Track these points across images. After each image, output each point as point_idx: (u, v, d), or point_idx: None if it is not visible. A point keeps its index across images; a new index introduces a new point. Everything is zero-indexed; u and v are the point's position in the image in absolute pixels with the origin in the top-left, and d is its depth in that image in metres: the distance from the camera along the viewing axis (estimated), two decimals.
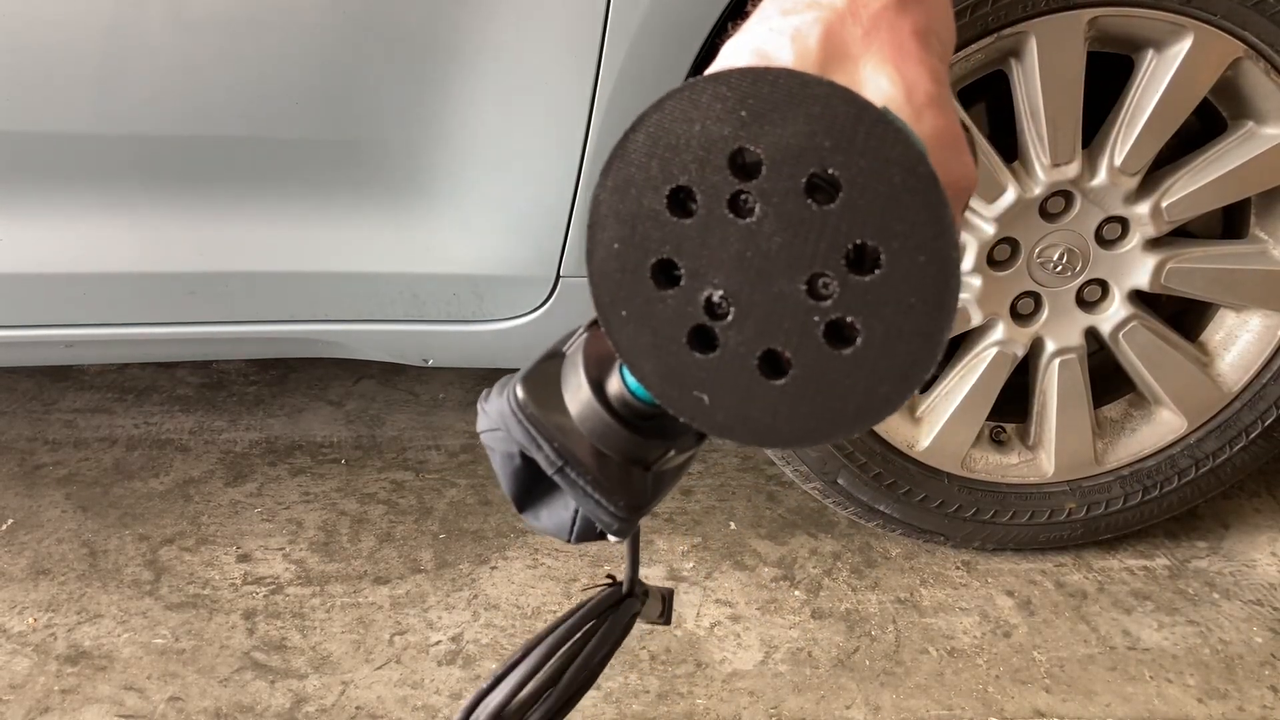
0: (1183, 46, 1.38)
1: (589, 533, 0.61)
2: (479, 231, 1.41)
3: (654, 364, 0.48)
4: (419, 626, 1.56)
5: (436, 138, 1.34)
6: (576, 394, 0.57)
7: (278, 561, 1.68)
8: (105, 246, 1.40)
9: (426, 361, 1.57)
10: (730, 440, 0.49)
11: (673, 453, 0.57)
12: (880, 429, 1.58)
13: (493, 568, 1.67)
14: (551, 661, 0.69)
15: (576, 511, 0.60)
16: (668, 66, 1.30)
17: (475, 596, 1.62)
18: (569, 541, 0.63)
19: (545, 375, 0.59)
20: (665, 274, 0.48)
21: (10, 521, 1.76)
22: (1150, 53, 1.41)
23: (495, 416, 0.59)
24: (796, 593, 1.64)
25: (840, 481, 1.61)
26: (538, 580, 1.65)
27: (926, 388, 1.64)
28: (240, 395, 2.10)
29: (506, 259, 1.42)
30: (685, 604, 1.61)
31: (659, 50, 1.29)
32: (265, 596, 1.61)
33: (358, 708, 1.43)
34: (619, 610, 0.72)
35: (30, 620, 1.56)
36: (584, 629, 0.70)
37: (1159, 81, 1.40)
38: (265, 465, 1.90)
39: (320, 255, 1.42)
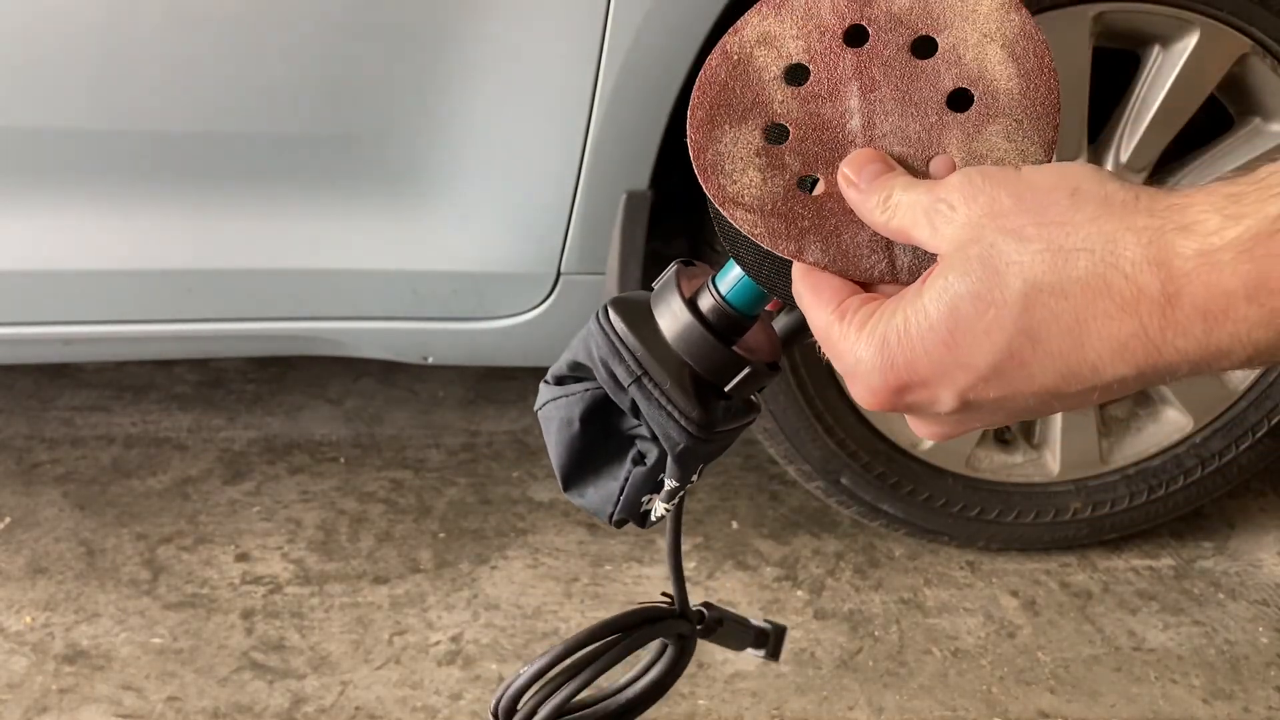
0: (1189, 42, 1.37)
1: (633, 508, 0.64)
2: (479, 228, 1.40)
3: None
4: (418, 626, 1.55)
5: (436, 133, 1.34)
6: (668, 308, 0.60)
7: (276, 561, 1.67)
8: (102, 243, 1.39)
9: (426, 359, 1.56)
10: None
11: (746, 372, 0.59)
12: (884, 428, 1.57)
13: (493, 567, 1.66)
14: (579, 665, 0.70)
15: (625, 482, 0.63)
16: (669, 63, 1.29)
17: (475, 596, 1.61)
18: (610, 519, 0.65)
19: (634, 301, 0.61)
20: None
21: (8, 520, 1.75)
22: (1156, 48, 1.40)
23: (576, 343, 0.62)
24: (799, 593, 1.63)
25: (843, 480, 1.59)
26: (538, 580, 1.64)
27: None
28: (239, 393, 2.09)
29: (507, 256, 1.41)
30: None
31: (660, 46, 1.28)
32: (264, 596, 1.60)
33: (357, 708, 1.42)
34: (659, 629, 0.73)
35: (28, 619, 1.55)
36: (616, 640, 0.71)
37: (1165, 77, 1.39)
38: (264, 464, 1.89)
39: (319, 252, 1.41)
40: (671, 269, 0.61)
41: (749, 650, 0.84)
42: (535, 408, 0.65)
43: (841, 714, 1.43)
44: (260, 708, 1.42)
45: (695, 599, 1.69)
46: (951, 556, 1.70)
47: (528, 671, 0.69)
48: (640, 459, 0.63)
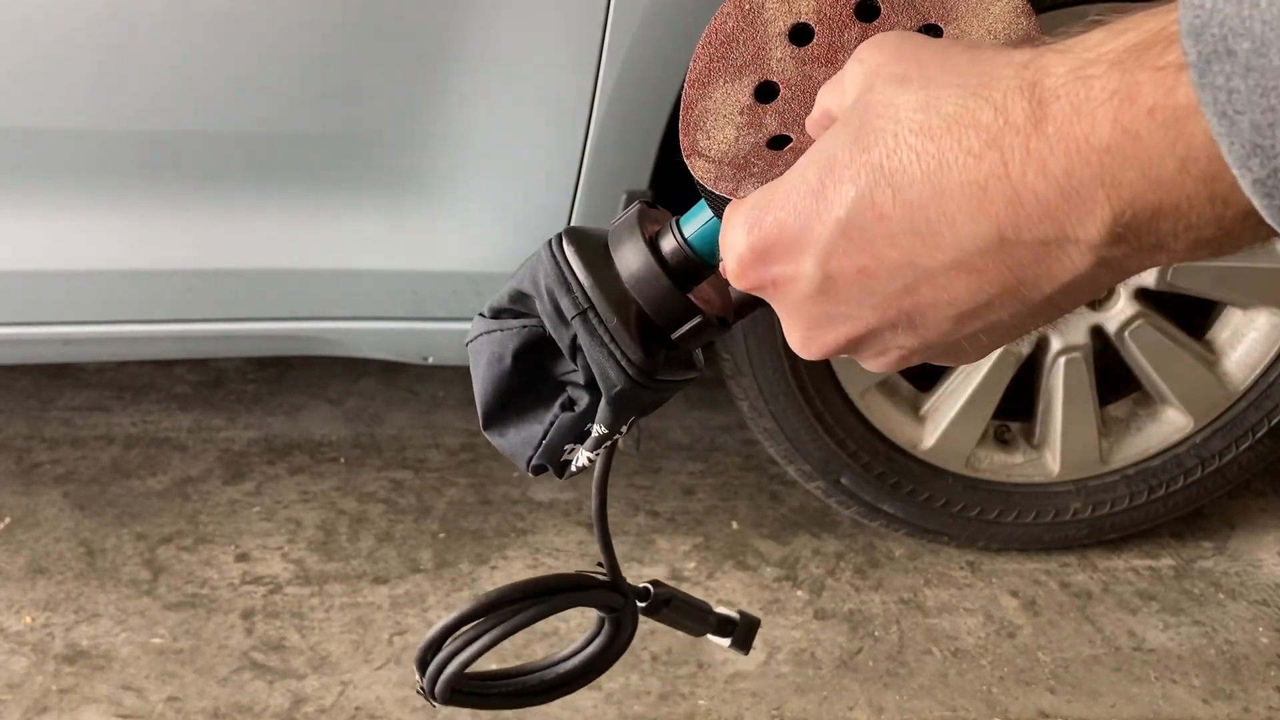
0: None
1: (554, 454, 0.61)
2: (479, 228, 1.40)
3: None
4: (418, 626, 1.55)
5: (437, 134, 1.33)
6: (625, 245, 0.58)
7: (276, 561, 1.67)
8: (102, 243, 1.39)
9: (426, 360, 1.56)
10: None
11: (696, 322, 0.57)
12: (884, 428, 1.57)
13: (493, 567, 1.66)
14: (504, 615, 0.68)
15: (550, 426, 0.61)
16: (669, 63, 1.29)
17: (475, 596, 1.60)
18: (528, 464, 0.62)
19: (590, 234, 0.59)
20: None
21: (8, 520, 1.75)
22: None
23: (522, 270, 0.59)
24: (799, 593, 1.63)
25: (844, 481, 1.59)
26: None
27: (930, 386, 1.63)
28: (239, 393, 2.09)
29: (507, 256, 1.41)
30: None
31: (660, 46, 1.28)
32: (264, 596, 1.60)
33: (357, 708, 1.42)
34: (583, 597, 0.71)
35: (28, 619, 1.55)
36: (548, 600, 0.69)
37: None
38: (264, 464, 1.89)
39: (319, 252, 1.41)
40: (634, 207, 0.59)
41: (714, 638, 0.81)
42: (465, 340, 0.63)
43: (841, 714, 1.43)
44: (260, 708, 1.42)
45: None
46: (951, 556, 1.70)
47: (440, 624, 0.67)
48: (570, 405, 0.60)
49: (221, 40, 1.28)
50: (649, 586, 0.76)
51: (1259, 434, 1.61)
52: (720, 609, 0.81)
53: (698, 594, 1.66)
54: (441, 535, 1.73)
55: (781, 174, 0.51)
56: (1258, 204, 0.32)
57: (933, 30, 0.51)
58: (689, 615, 0.79)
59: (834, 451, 1.57)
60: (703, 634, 0.81)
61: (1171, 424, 1.62)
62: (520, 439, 0.62)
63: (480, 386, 0.62)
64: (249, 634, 1.53)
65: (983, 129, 0.37)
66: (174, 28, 1.27)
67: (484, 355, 0.61)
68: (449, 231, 1.40)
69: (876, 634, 1.56)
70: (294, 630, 1.54)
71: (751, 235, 0.44)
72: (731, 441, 1.96)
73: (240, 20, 1.27)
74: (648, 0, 1.25)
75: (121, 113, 1.31)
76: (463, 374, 2.27)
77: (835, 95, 0.45)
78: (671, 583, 1.63)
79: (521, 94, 1.31)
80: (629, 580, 0.73)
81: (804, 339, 0.46)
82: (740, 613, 0.81)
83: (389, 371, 2.13)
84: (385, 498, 1.82)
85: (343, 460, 1.91)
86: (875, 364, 0.47)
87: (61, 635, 1.52)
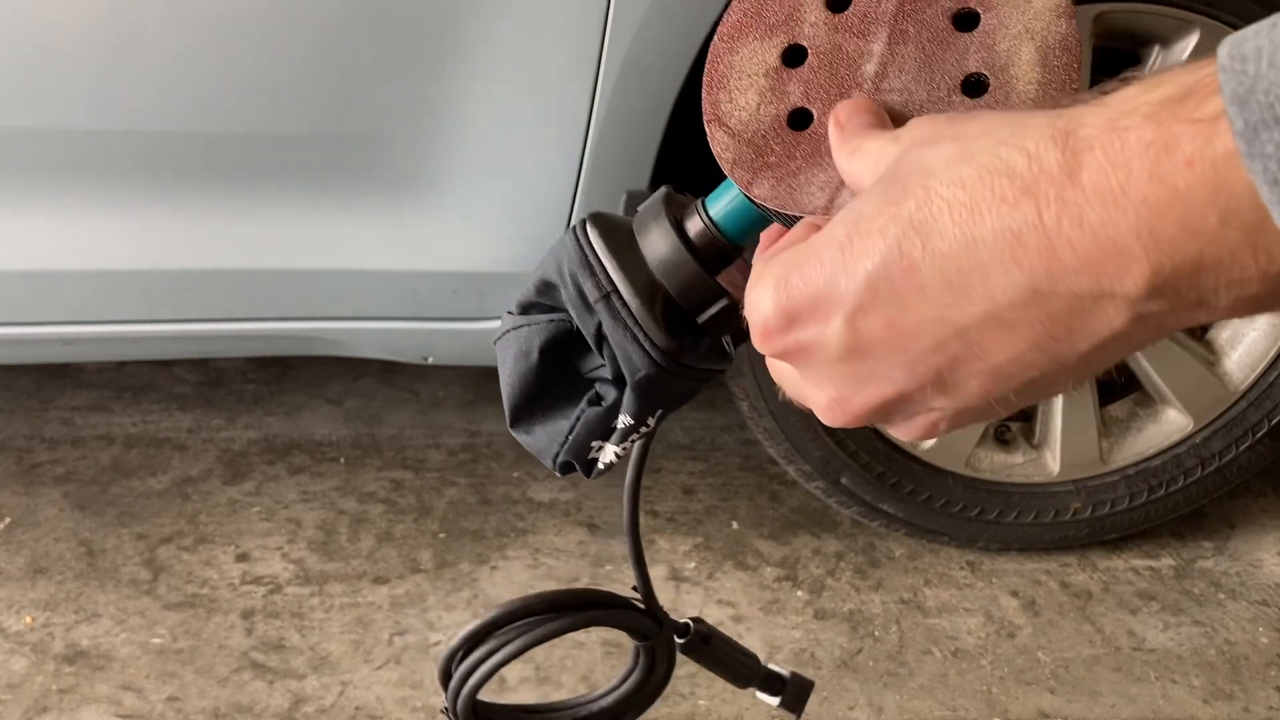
0: (1189, 42, 1.37)
1: (581, 451, 0.60)
2: (480, 228, 1.40)
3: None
4: (418, 626, 1.55)
5: (437, 134, 1.33)
6: (651, 228, 0.57)
7: (276, 561, 1.67)
8: (102, 243, 1.39)
9: (426, 359, 1.56)
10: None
11: (723, 305, 0.56)
12: (885, 427, 1.57)
13: (493, 567, 1.66)
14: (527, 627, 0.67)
15: (577, 421, 0.59)
16: (669, 63, 1.29)
17: (475, 596, 1.60)
18: (554, 461, 0.60)
19: (615, 220, 0.58)
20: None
21: (8, 520, 1.75)
22: (1156, 49, 1.40)
23: (547, 258, 0.58)
24: (799, 593, 1.63)
25: (844, 481, 1.59)
26: (538, 580, 1.64)
27: None
28: (238, 393, 2.09)
29: (507, 256, 1.41)
30: (687, 604, 1.60)
31: (660, 46, 1.28)
32: (264, 596, 1.60)
33: (357, 708, 1.42)
34: (607, 616, 0.69)
35: (28, 619, 1.55)
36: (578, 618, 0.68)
37: None
38: (264, 464, 1.89)
39: (319, 252, 1.41)
40: (660, 191, 0.58)
41: (761, 694, 0.76)
42: (494, 338, 0.62)
43: (841, 714, 1.43)
44: (260, 708, 1.42)
45: (695, 599, 1.69)
46: (951, 556, 1.70)
47: (463, 632, 0.66)
48: (597, 400, 0.59)
49: (222, 40, 1.28)
50: (689, 622, 0.72)
51: (1259, 434, 1.61)
52: (770, 665, 0.76)
53: (697, 594, 1.66)
54: (441, 535, 1.73)
55: (798, 168, 0.50)
56: None
57: (971, 16, 0.50)
58: (731, 662, 0.75)
59: (834, 451, 1.57)
60: (746, 686, 0.77)
61: (1171, 424, 1.62)
62: (547, 436, 0.61)
63: (507, 383, 0.61)
64: (249, 634, 1.53)
65: (1016, 177, 0.36)
66: (174, 28, 1.27)
67: (510, 351, 0.60)
68: (449, 231, 1.40)
69: (876, 634, 1.56)
70: (294, 630, 1.54)
71: (778, 294, 0.42)
72: (731, 441, 1.96)
73: (240, 20, 1.27)
74: (648, 0, 1.25)
75: (122, 113, 1.31)
76: (463, 374, 2.27)
77: (866, 164, 0.44)
78: (671, 583, 1.63)
79: (522, 94, 1.31)
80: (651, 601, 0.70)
81: (832, 403, 0.45)
82: (792, 673, 0.77)
83: (389, 371, 2.13)
84: (385, 498, 1.82)
85: (343, 460, 1.91)
86: (906, 430, 0.45)
87: (61, 635, 1.52)
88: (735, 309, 0.56)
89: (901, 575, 1.67)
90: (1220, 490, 1.67)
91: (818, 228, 0.45)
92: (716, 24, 1.37)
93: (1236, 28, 1.44)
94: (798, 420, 1.53)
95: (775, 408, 1.53)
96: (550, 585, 1.63)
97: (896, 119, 0.50)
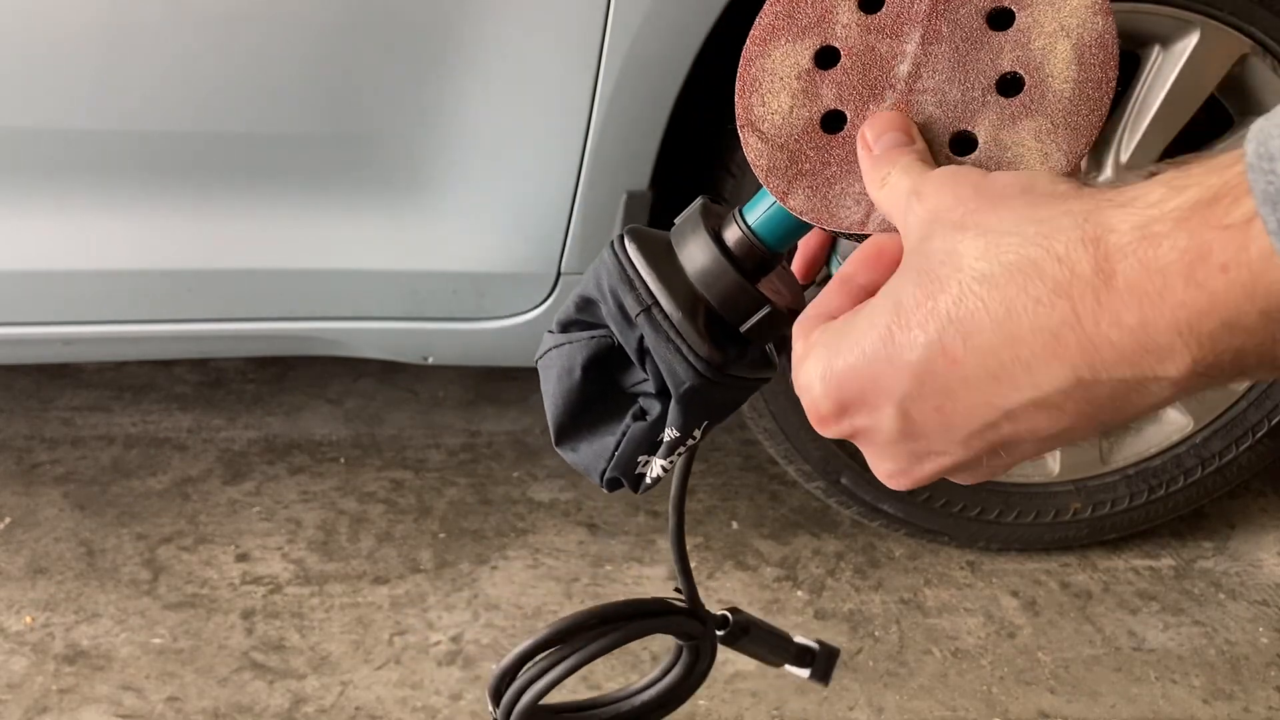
0: (1189, 42, 1.37)
1: (628, 466, 0.59)
2: (480, 228, 1.40)
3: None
4: (418, 626, 1.55)
5: (437, 133, 1.33)
6: (689, 239, 0.56)
7: (276, 561, 1.67)
8: (103, 243, 1.39)
9: (426, 359, 1.56)
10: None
11: (765, 313, 0.56)
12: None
13: (493, 568, 1.66)
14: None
15: (623, 437, 0.59)
16: (669, 63, 1.29)
17: (475, 596, 1.61)
18: (601, 478, 0.60)
19: (653, 234, 0.58)
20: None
21: (8, 520, 1.75)
22: (1156, 49, 1.40)
23: (587, 276, 0.58)
24: (799, 593, 1.63)
25: (843, 481, 1.59)
26: (538, 580, 1.64)
27: None
28: (238, 393, 2.09)
29: (507, 256, 1.41)
30: None
31: (660, 46, 1.28)
32: (264, 596, 1.60)
33: (357, 708, 1.42)
34: (660, 624, 0.70)
35: (28, 619, 1.55)
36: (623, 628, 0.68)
37: (1165, 78, 1.39)
38: (264, 464, 1.89)
39: (319, 252, 1.41)
40: (696, 203, 0.58)
41: (792, 669, 0.78)
42: (535, 358, 0.62)
43: (841, 714, 1.43)
44: (260, 708, 1.42)
45: None
46: (951, 557, 1.70)
47: (514, 652, 0.66)
48: (641, 415, 0.59)
49: (222, 40, 1.28)
50: (727, 614, 0.73)
51: (1259, 434, 1.61)
52: (799, 639, 0.78)
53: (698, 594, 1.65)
54: (441, 535, 1.73)
55: (833, 176, 0.50)
56: None
57: (1005, 15, 0.49)
58: (768, 645, 0.77)
59: (834, 451, 1.57)
60: (781, 664, 0.78)
61: (1171, 424, 1.62)
62: (592, 453, 0.61)
63: (550, 402, 0.61)
64: (249, 634, 1.53)
65: (1047, 278, 0.38)
66: (174, 28, 1.27)
67: (553, 370, 0.60)
68: (449, 231, 1.40)
69: (876, 634, 1.56)
70: (294, 630, 1.54)
71: (827, 385, 0.45)
72: (731, 441, 1.96)
73: (240, 20, 1.27)
74: (648, 0, 1.25)
75: (122, 113, 1.31)
76: (463, 373, 2.28)
77: (895, 207, 0.45)
78: (672, 582, 1.63)
79: (522, 94, 1.31)
80: (651, 594, 0.71)
81: (894, 474, 0.47)
82: (819, 642, 0.78)
83: (389, 371, 2.13)
84: (385, 498, 1.82)
85: (343, 460, 1.91)
86: (965, 480, 0.48)
87: (61, 635, 1.52)
88: (777, 316, 0.56)
89: (901, 575, 1.67)
90: (1220, 490, 1.67)
91: (850, 294, 0.48)
92: (716, 24, 1.37)
93: (1236, 28, 1.45)
94: (798, 420, 1.53)
95: (775, 407, 1.53)
96: (551, 585, 1.63)
97: (928, 122, 0.50)
